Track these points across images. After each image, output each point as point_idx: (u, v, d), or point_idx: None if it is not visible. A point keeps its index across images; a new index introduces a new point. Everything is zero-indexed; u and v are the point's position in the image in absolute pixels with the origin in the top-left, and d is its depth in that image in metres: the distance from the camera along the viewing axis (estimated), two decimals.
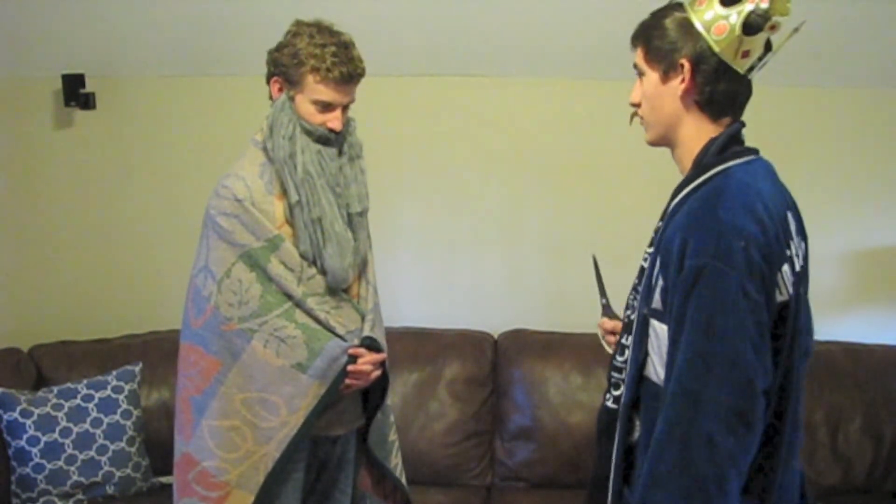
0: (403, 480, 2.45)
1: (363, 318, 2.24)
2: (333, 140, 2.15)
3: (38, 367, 3.16)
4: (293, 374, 2.10)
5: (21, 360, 3.14)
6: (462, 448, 3.20)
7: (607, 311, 1.98)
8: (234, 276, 2.11)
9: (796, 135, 3.35)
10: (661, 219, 1.69)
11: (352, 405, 2.30)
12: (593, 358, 3.18)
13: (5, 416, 2.89)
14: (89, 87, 3.35)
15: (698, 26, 1.59)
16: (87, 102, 3.34)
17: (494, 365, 3.29)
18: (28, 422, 2.89)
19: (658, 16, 1.65)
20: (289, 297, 2.13)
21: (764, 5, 1.57)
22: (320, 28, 2.12)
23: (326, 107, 2.11)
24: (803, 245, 1.68)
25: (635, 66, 1.69)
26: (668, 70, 1.62)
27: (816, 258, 3.55)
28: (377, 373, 2.23)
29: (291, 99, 2.12)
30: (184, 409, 2.20)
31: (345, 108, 2.15)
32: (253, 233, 2.11)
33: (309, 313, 2.14)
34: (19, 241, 3.47)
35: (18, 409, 2.90)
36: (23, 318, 3.45)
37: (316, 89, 2.09)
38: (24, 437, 2.88)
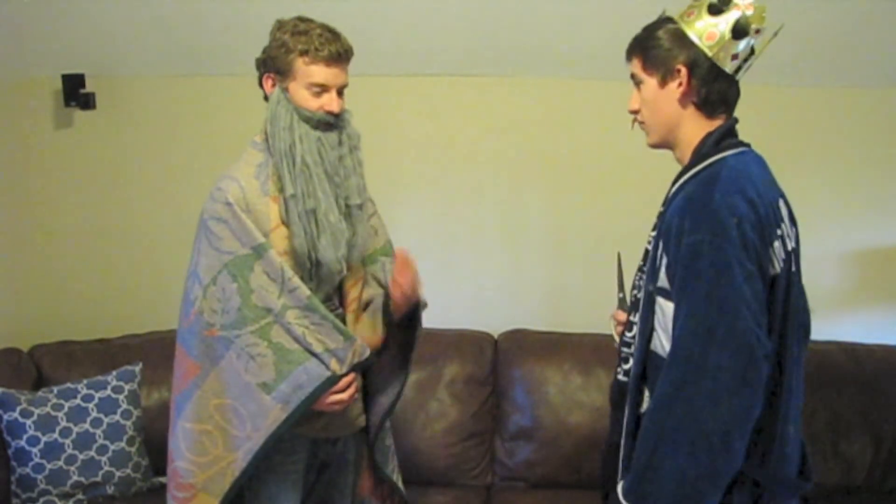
0: (400, 484, 2.46)
1: (347, 338, 2.15)
2: (333, 125, 2.13)
3: (38, 367, 3.16)
4: (257, 393, 2.09)
5: (21, 360, 3.14)
6: (462, 448, 3.20)
7: (622, 304, 2.07)
8: (218, 285, 2.10)
9: (797, 135, 3.35)
10: (663, 204, 1.85)
11: (352, 408, 2.29)
12: (593, 358, 3.19)
13: (5, 416, 2.89)
14: (89, 87, 3.35)
15: (691, 35, 1.77)
16: (87, 102, 3.34)
17: (494, 365, 3.29)
18: (28, 422, 2.89)
19: (651, 29, 1.83)
20: (268, 310, 2.09)
21: (749, 12, 1.75)
22: (302, 18, 2.14)
23: (321, 90, 2.10)
24: (794, 230, 1.84)
25: (633, 76, 1.86)
26: (665, 76, 1.79)
27: (816, 258, 3.56)
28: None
29: (285, 90, 2.12)
30: (171, 407, 2.23)
31: (340, 92, 2.14)
32: (239, 239, 2.09)
33: (287, 329, 2.09)
34: (19, 241, 3.47)
35: (18, 409, 2.90)
36: (23, 318, 3.45)
37: (308, 72, 2.09)
38: (24, 437, 2.88)
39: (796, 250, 1.81)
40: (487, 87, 3.41)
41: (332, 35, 2.11)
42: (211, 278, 2.10)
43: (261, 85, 2.18)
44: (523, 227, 3.49)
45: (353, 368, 2.16)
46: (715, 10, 1.75)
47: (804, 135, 3.36)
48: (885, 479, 3.08)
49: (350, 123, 2.19)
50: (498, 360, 3.30)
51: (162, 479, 3.00)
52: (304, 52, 2.08)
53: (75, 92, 3.32)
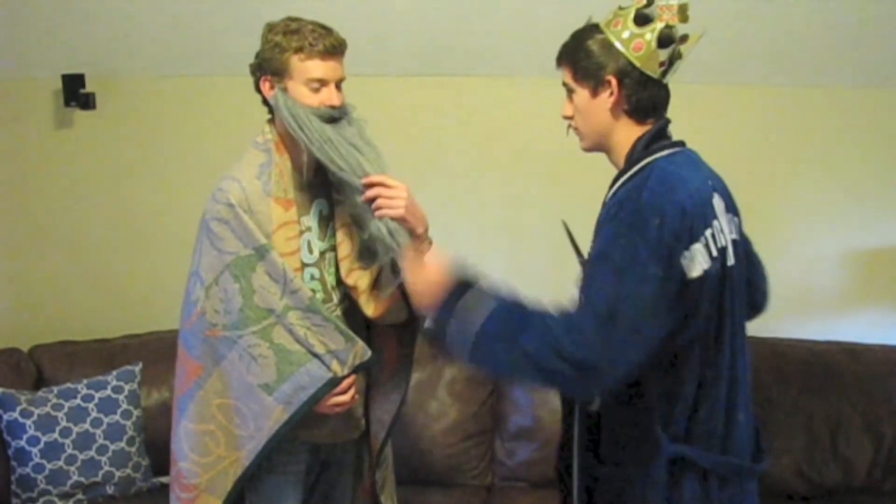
0: (384, 496, 2.43)
1: (348, 340, 2.15)
2: (337, 118, 2.11)
3: (38, 367, 3.16)
4: (259, 394, 2.09)
5: (21, 360, 3.15)
6: (462, 448, 3.20)
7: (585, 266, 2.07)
8: (220, 285, 2.09)
9: (796, 135, 3.35)
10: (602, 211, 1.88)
11: (354, 411, 2.29)
12: None
13: (5, 416, 2.89)
14: (89, 87, 3.35)
15: (618, 45, 1.79)
16: (87, 102, 3.34)
17: None
18: (28, 422, 2.89)
19: (579, 38, 1.85)
20: (270, 311, 2.09)
21: (673, 22, 1.78)
22: (291, 18, 2.13)
23: (320, 84, 2.09)
24: (736, 220, 1.86)
25: (564, 84, 1.89)
26: (596, 86, 1.82)
27: (816, 258, 3.55)
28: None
29: (284, 90, 2.10)
30: (174, 407, 2.23)
31: (338, 87, 2.13)
32: (241, 240, 2.08)
33: (289, 330, 2.09)
34: (19, 241, 3.48)
35: (18, 409, 2.90)
36: (23, 318, 3.45)
37: (304, 68, 2.07)
38: (24, 437, 2.88)
39: (737, 241, 1.81)
40: (487, 87, 3.41)
41: (325, 30, 2.10)
42: (213, 279, 2.10)
43: (258, 89, 2.16)
44: (523, 227, 3.49)
45: (355, 370, 2.16)
46: (640, 21, 1.77)
47: (803, 135, 3.35)
48: (885, 479, 3.08)
49: (351, 114, 2.16)
50: None
51: (162, 479, 3.00)
52: (298, 50, 2.07)
53: (75, 92, 3.32)
